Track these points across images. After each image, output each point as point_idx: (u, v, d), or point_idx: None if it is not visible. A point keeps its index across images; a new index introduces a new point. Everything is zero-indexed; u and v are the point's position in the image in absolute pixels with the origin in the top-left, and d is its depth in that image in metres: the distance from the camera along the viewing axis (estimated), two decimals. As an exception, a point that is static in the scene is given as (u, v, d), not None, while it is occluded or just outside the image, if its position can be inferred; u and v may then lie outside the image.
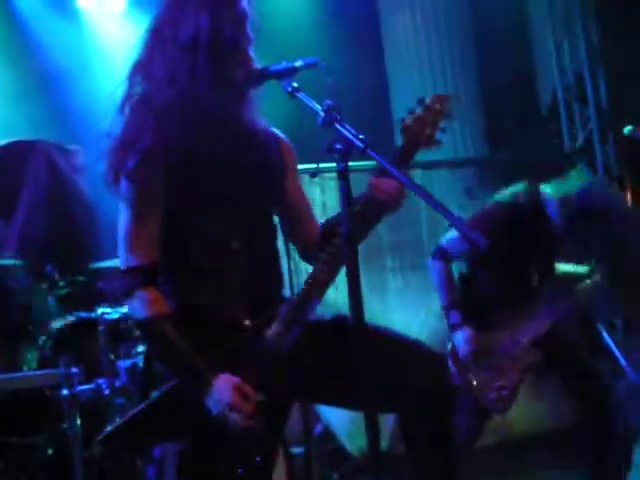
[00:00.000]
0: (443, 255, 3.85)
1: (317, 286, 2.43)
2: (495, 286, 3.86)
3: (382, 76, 6.72)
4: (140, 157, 2.43)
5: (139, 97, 2.52)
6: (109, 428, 2.45)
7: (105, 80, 6.47)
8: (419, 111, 2.44)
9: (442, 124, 2.47)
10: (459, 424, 3.62)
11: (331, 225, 2.65)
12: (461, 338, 3.75)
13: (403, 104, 6.44)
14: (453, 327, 3.78)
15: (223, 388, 2.35)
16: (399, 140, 2.47)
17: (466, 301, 3.84)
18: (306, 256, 2.77)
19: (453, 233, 3.75)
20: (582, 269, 3.94)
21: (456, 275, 3.92)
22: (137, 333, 4.14)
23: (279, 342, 2.42)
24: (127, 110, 2.52)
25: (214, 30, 2.42)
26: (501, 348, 3.80)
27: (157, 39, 2.51)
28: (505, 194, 3.84)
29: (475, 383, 3.77)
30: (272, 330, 2.43)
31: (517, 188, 3.84)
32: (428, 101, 2.45)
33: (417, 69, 6.45)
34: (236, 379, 2.37)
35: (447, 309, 3.82)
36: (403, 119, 2.45)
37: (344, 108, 2.18)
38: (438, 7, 6.41)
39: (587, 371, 3.76)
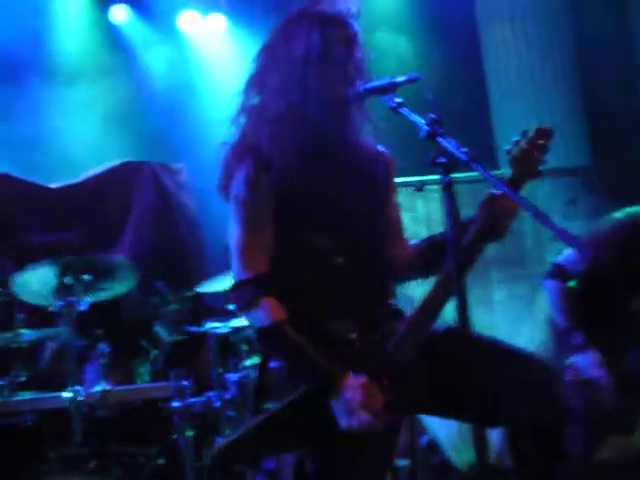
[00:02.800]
0: (561, 274, 3.76)
1: (434, 307, 2.44)
2: (608, 305, 3.76)
3: (481, 92, 6.66)
4: (257, 164, 2.50)
5: (254, 108, 2.62)
6: (225, 440, 2.46)
7: (207, 98, 6.69)
8: (523, 144, 2.46)
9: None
10: (577, 440, 3.56)
11: (433, 243, 2.65)
12: (587, 361, 3.66)
13: (504, 116, 6.41)
14: (576, 348, 3.69)
15: (354, 386, 2.34)
16: (501, 160, 2.50)
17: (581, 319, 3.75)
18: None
19: (570, 251, 3.67)
20: None
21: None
22: (245, 347, 4.23)
23: (398, 357, 2.42)
24: (242, 120, 2.62)
25: (324, 48, 2.51)
26: (634, 369, 3.69)
27: (271, 55, 2.62)
28: (623, 214, 3.76)
29: (604, 402, 3.67)
30: (391, 345, 2.43)
31: (636, 210, 3.76)
32: (532, 134, 2.47)
33: (517, 80, 6.37)
34: (363, 378, 2.36)
35: (568, 331, 3.73)
36: (509, 151, 2.49)
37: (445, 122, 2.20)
38: (539, 16, 6.32)
39: None
